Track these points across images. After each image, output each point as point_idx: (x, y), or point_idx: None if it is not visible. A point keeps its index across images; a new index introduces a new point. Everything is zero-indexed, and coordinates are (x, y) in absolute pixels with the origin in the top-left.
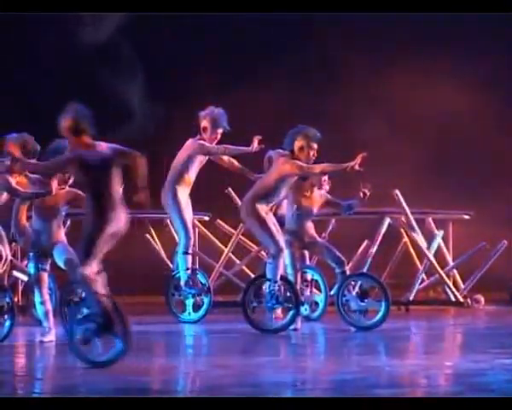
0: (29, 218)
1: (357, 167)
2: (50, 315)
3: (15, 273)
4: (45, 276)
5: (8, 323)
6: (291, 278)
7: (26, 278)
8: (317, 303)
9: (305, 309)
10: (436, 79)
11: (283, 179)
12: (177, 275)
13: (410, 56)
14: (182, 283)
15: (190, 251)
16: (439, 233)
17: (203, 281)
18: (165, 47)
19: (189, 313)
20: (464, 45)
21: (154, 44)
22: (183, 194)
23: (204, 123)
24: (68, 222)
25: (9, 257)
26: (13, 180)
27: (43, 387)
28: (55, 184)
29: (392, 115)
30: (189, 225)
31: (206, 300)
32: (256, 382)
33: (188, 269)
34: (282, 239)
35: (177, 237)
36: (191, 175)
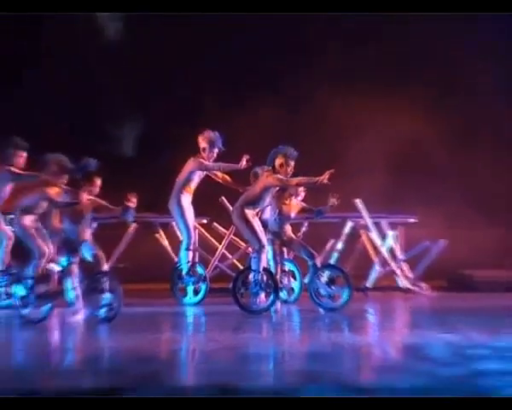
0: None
1: (325, 181)
2: (80, 298)
3: (52, 265)
4: (75, 267)
5: (48, 306)
6: (272, 269)
7: (59, 269)
8: (293, 289)
9: (284, 294)
10: (396, 101)
11: (267, 190)
12: (180, 267)
13: (373, 80)
14: (184, 273)
15: (191, 247)
16: (392, 233)
17: (201, 271)
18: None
19: (190, 298)
20: (427, 68)
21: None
22: (186, 201)
23: (203, 144)
24: (95, 225)
25: (52, 252)
26: (53, 191)
27: (74, 357)
28: (84, 194)
29: (359, 136)
30: (191, 227)
31: (203, 287)
32: (243, 353)
33: (189, 262)
34: (264, 238)
35: (180, 236)
36: (192, 186)
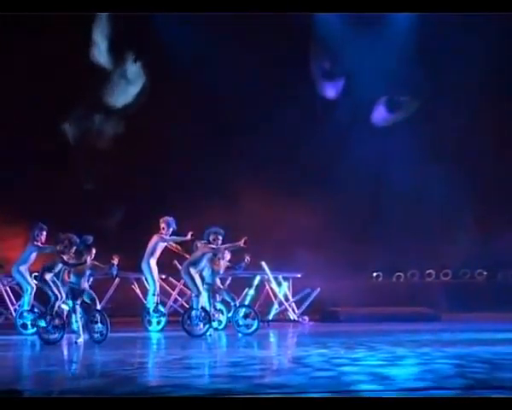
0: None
1: (242, 245)
2: (81, 328)
3: (63, 306)
4: (78, 307)
5: (61, 333)
6: (207, 307)
7: (67, 308)
8: (221, 321)
9: (215, 324)
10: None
11: (204, 255)
12: (148, 306)
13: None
14: (151, 310)
15: (156, 294)
16: (285, 283)
17: (162, 310)
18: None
19: (154, 327)
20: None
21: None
22: (153, 263)
23: (163, 225)
24: (91, 279)
25: (64, 297)
26: (65, 257)
27: (77, 365)
28: (88, 258)
29: (263, 219)
30: (156, 280)
31: (163, 319)
32: (189, 362)
33: (154, 303)
34: (201, 287)
35: (148, 286)
36: (157, 253)
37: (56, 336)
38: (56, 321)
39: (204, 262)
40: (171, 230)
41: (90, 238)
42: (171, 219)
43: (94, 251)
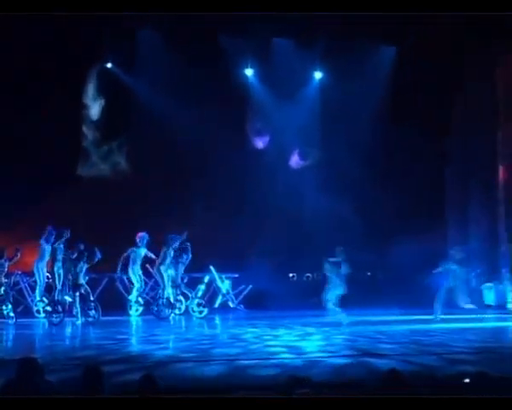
0: None
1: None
2: (79, 313)
3: (66, 297)
4: (77, 298)
5: (61, 317)
6: (171, 298)
7: (70, 299)
8: (181, 308)
9: (178, 310)
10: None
11: (166, 254)
12: (130, 298)
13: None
14: (132, 301)
15: (138, 290)
16: (227, 281)
17: (140, 301)
18: None
19: (133, 313)
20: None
21: None
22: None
23: (137, 239)
24: (87, 277)
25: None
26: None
27: (77, 339)
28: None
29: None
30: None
31: (140, 308)
32: (155, 337)
33: (136, 296)
34: (167, 282)
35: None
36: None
37: (58, 319)
38: (58, 308)
39: (168, 261)
40: (145, 242)
41: (81, 245)
42: (144, 234)
43: (86, 254)
